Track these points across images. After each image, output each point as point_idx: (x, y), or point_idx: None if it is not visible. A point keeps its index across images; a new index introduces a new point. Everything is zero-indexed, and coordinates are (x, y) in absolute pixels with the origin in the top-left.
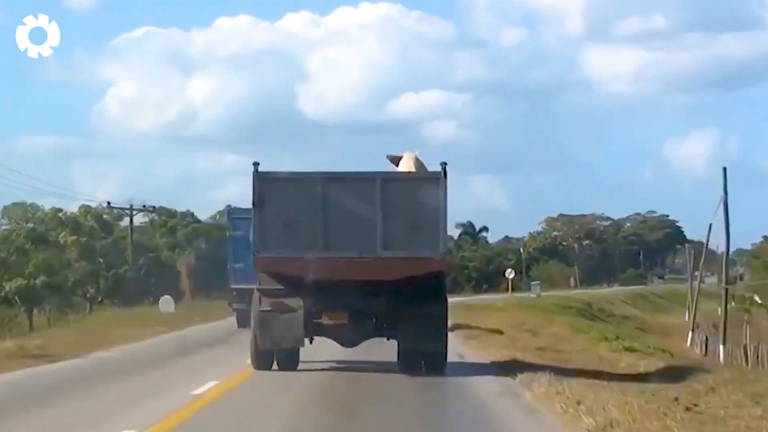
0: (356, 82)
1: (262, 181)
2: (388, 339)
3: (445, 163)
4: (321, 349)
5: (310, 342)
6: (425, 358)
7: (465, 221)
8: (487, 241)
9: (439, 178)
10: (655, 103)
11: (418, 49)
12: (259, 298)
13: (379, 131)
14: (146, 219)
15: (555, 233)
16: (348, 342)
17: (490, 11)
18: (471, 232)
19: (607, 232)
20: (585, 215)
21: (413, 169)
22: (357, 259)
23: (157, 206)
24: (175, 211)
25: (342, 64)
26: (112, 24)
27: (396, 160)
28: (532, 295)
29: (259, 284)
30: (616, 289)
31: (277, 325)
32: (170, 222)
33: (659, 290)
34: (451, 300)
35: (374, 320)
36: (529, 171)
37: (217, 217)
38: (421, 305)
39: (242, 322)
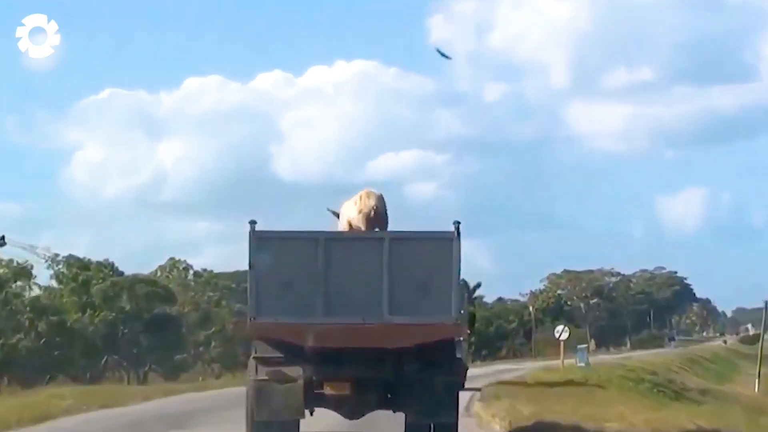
0: (333, 143)
1: (259, 240)
2: (394, 411)
3: (459, 222)
4: (323, 422)
5: (311, 413)
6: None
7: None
8: (484, 302)
9: (453, 239)
10: (646, 159)
11: (396, 107)
12: (256, 366)
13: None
14: (51, 272)
15: (559, 291)
16: (351, 414)
17: (470, 66)
18: (466, 291)
19: (617, 288)
20: (592, 271)
21: (363, 207)
22: (361, 326)
23: (65, 254)
24: (90, 261)
25: (318, 124)
26: (77, 86)
27: (337, 214)
28: (580, 364)
29: (256, 352)
30: (653, 351)
31: (275, 395)
32: (82, 275)
33: (706, 353)
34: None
35: (380, 391)
36: (517, 230)
37: (159, 273)
38: (431, 375)
39: None
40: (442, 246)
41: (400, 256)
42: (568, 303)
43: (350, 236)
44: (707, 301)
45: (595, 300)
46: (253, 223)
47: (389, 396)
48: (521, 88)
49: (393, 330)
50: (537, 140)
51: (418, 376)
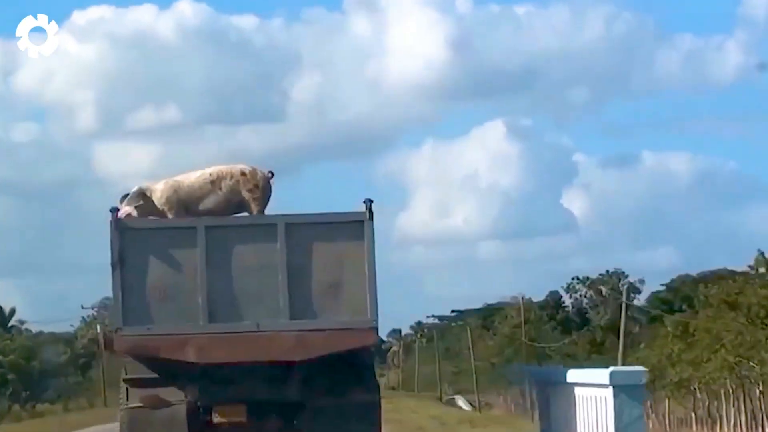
0: None
1: (124, 232)
2: None
3: (371, 201)
4: None
5: None
6: None
7: None
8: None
9: (364, 221)
10: None
11: None
12: (126, 390)
13: None
14: None
15: None
16: None
17: None
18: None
19: None
20: None
21: (257, 180)
22: (254, 334)
23: None
24: None
25: None
26: None
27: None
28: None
29: (126, 372)
30: None
31: (151, 425)
32: None
33: None
34: None
35: (283, 416)
36: (48, 274)
37: None
38: (346, 394)
39: None
40: (353, 231)
41: (300, 245)
42: None
43: (236, 223)
44: None
45: None
46: (114, 210)
47: (295, 422)
48: (49, 130)
49: (295, 338)
50: (65, 182)
51: (330, 397)
